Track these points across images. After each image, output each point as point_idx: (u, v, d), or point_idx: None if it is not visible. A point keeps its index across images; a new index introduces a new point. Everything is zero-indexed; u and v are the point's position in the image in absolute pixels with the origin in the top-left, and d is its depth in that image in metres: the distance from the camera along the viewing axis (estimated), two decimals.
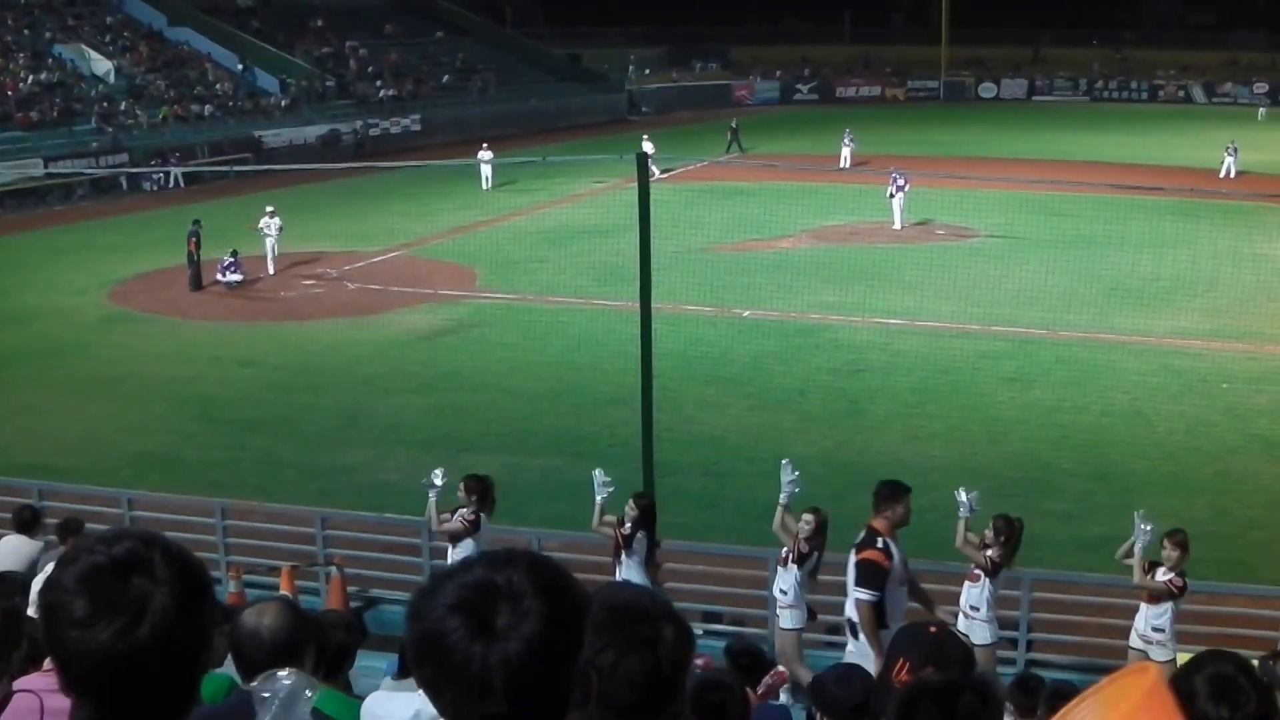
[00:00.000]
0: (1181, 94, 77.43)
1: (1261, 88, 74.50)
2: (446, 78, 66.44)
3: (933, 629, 3.48)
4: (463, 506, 11.84)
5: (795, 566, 10.94)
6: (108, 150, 46.50)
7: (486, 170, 42.59)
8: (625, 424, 16.92)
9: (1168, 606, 10.19)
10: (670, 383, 17.52)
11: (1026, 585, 11.78)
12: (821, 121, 61.38)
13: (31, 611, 4.65)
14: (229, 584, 12.05)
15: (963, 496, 10.59)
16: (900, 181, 34.02)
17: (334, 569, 12.73)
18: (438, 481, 11.91)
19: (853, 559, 9.43)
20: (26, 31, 53.17)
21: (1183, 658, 7.95)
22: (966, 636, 10.25)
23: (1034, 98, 79.44)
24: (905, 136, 55.46)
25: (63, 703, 2.01)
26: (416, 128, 59.17)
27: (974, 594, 10.58)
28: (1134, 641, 10.42)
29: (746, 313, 25.97)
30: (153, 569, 1.94)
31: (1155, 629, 10.20)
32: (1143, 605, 10.31)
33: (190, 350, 24.46)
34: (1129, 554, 10.44)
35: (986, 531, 10.62)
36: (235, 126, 52.44)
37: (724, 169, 41.39)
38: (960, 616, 10.56)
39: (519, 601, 1.80)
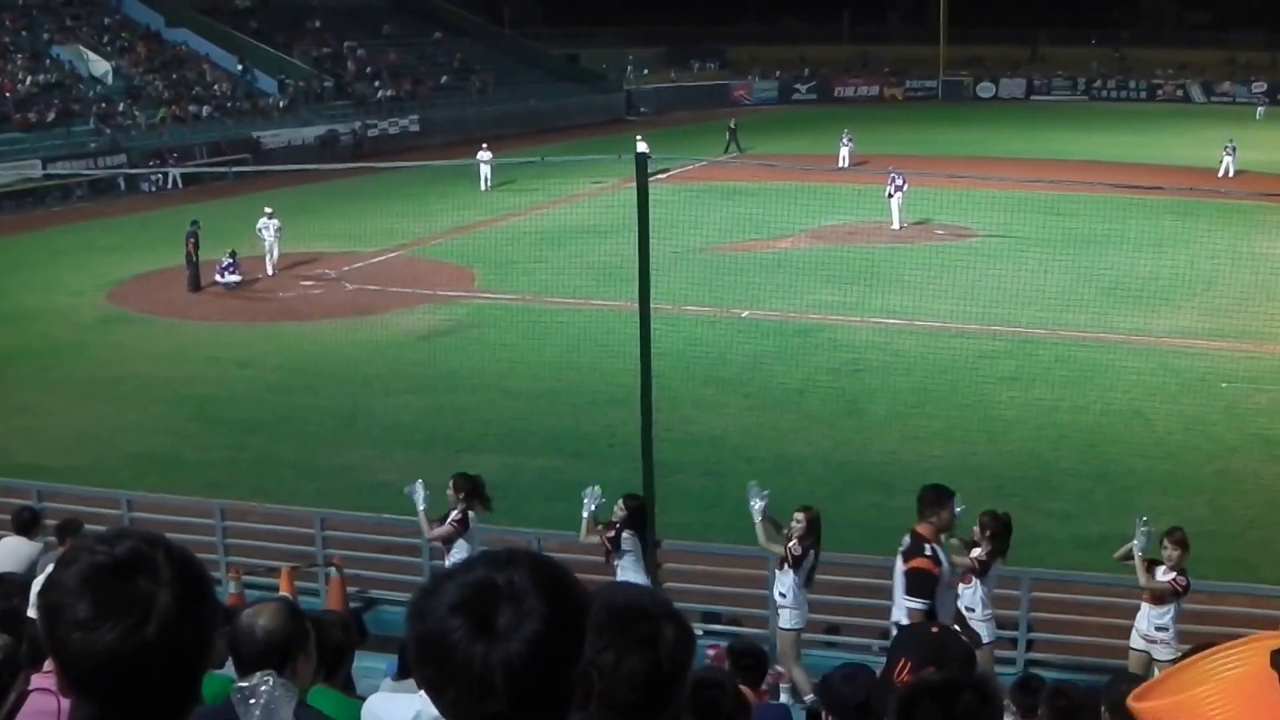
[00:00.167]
0: (1180, 93, 77.48)
1: (1260, 87, 74.55)
2: (445, 78, 66.44)
3: (934, 629, 3.48)
4: (453, 508, 11.84)
5: (792, 570, 10.95)
6: (106, 151, 46.49)
7: (486, 170, 42.59)
8: (624, 424, 16.91)
9: (1171, 606, 10.19)
10: (669, 383, 17.51)
11: (1026, 584, 11.77)
12: (820, 121, 61.41)
13: (31, 612, 4.64)
14: (229, 585, 12.02)
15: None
16: (899, 181, 34.02)
17: (333, 570, 12.69)
18: (419, 498, 11.95)
19: (900, 567, 9.29)
20: (24, 32, 53.16)
21: None
22: (976, 636, 10.31)
23: (1032, 97, 79.50)
24: (904, 136, 55.47)
25: None
26: (415, 128, 59.18)
27: (968, 595, 10.57)
28: (1136, 642, 10.39)
29: (745, 313, 25.97)
30: (156, 569, 1.93)
31: (1159, 628, 10.18)
32: (1145, 605, 10.29)
33: (188, 351, 24.46)
34: (1127, 556, 10.43)
35: (975, 529, 10.60)
36: (233, 127, 52.45)
37: (723, 169, 41.39)
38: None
39: (520, 602, 1.80)
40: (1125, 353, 22.76)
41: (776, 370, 22.15)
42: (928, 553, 9.20)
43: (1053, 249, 30.36)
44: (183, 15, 59.10)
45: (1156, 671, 8.67)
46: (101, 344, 25.13)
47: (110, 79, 52.42)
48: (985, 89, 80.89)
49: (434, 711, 1.86)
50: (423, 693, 1.88)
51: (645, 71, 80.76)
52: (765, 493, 11.16)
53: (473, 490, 11.94)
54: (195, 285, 29.22)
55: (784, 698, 10.69)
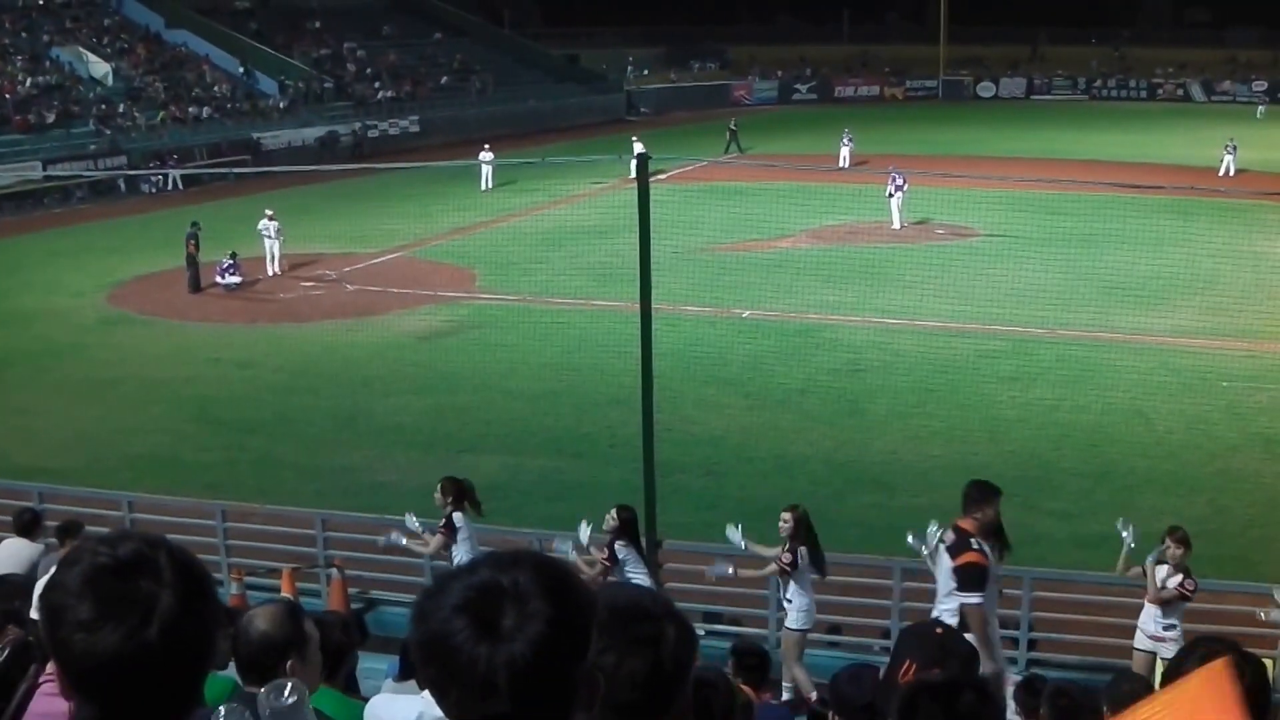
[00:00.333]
0: (1180, 92, 77.46)
1: (1260, 85, 74.53)
2: (444, 79, 66.45)
3: (939, 630, 3.48)
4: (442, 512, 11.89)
5: (790, 579, 10.98)
6: (106, 153, 46.48)
7: (487, 171, 42.60)
8: (625, 424, 16.93)
9: (1179, 606, 10.17)
10: (670, 383, 17.52)
11: (1027, 584, 11.78)
12: (820, 121, 61.40)
13: (34, 614, 4.65)
14: (230, 586, 12.03)
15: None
16: (899, 181, 34.02)
17: (334, 571, 12.72)
18: (401, 543, 12.11)
19: (948, 564, 9.26)
20: (24, 34, 53.17)
21: None
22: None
23: (1032, 96, 79.50)
24: (904, 136, 55.46)
25: None
26: (415, 129, 59.18)
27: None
28: (1141, 643, 10.28)
29: (746, 313, 25.97)
30: (158, 570, 1.93)
31: (1167, 627, 10.14)
32: (1149, 605, 10.25)
33: (189, 352, 24.46)
34: (1128, 566, 10.40)
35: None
36: (233, 128, 52.45)
37: (723, 169, 41.39)
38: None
39: (525, 603, 1.80)
40: (1126, 352, 22.75)
41: (777, 370, 22.15)
42: (975, 546, 9.21)
43: (1053, 248, 30.37)
44: (182, 16, 59.11)
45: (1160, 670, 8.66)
46: (102, 345, 25.13)
47: (110, 80, 52.44)
48: (985, 88, 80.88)
49: (436, 713, 1.86)
50: (425, 694, 1.88)
51: (645, 72, 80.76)
52: (739, 529, 11.25)
53: (460, 494, 11.96)
54: (195, 286, 29.23)
55: (785, 697, 10.69)
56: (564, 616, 1.81)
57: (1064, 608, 12.18)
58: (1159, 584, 10.13)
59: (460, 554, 11.66)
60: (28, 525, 10.74)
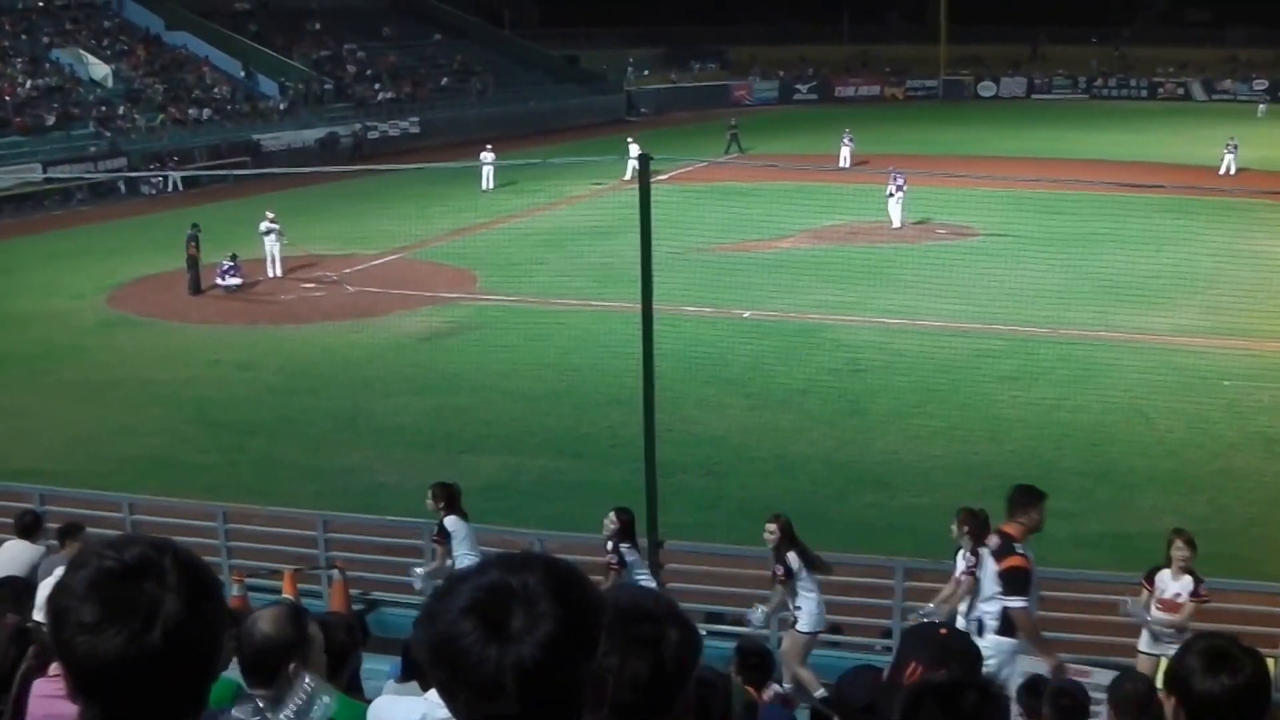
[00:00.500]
0: (1181, 91, 77.42)
1: (1261, 84, 74.49)
2: (444, 80, 66.45)
3: (943, 630, 3.47)
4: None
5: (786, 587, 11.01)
6: (106, 155, 46.45)
7: (488, 172, 42.60)
8: (625, 425, 16.92)
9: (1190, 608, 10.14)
10: (671, 383, 17.50)
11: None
12: (820, 121, 61.38)
13: (38, 616, 4.65)
14: (232, 588, 12.03)
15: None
16: (899, 181, 34.02)
17: (336, 572, 12.72)
18: (420, 581, 12.06)
19: (993, 567, 9.26)
20: (24, 36, 53.19)
21: None
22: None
23: (1033, 96, 79.44)
24: (904, 136, 55.43)
25: None
26: (415, 130, 59.15)
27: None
28: (1146, 645, 10.22)
29: (747, 313, 25.97)
30: (163, 574, 1.93)
31: (1180, 630, 10.10)
32: (1157, 611, 10.15)
33: (189, 354, 24.46)
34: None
35: (953, 530, 10.63)
36: (233, 130, 52.44)
37: (723, 169, 41.37)
38: (961, 619, 10.56)
39: (533, 605, 1.79)
40: (1126, 351, 22.75)
41: (778, 370, 22.15)
42: (1020, 550, 9.20)
43: (1054, 248, 30.33)
44: (182, 18, 59.11)
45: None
46: (102, 347, 25.14)
47: (110, 82, 52.45)
48: (986, 88, 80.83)
49: (438, 715, 1.86)
50: (428, 695, 1.89)
51: (645, 72, 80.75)
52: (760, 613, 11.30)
53: (450, 498, 11.97)
54: (196, 288, 29.23)
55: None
56: (573, 618, 1.81)
57: (1065, 607, 12.16)
58: (1173, 597, 10.03)
59: (461, 555, 11.66)
60: (29, 527, 10.73)
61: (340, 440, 19.26)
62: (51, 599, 1.96)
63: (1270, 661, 6.57)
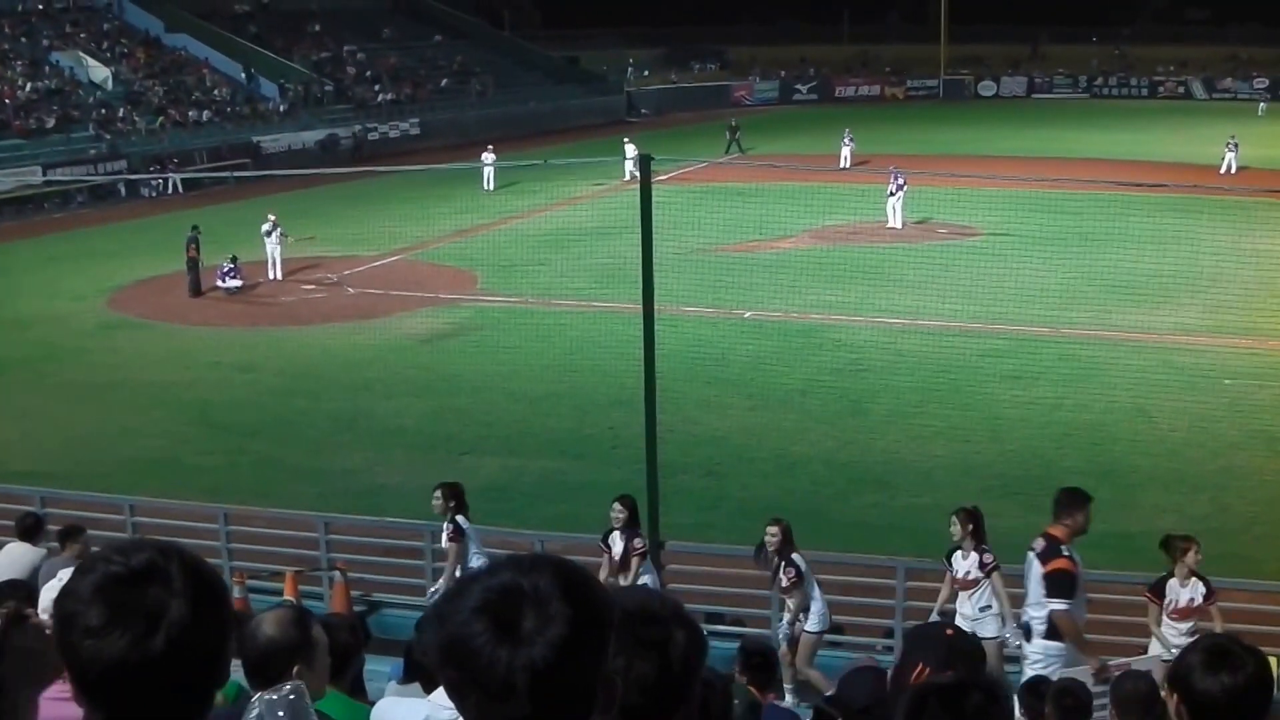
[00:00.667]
0: (1181, 90, 77.42)
1: (1261, 82, 74.47)
2: (444, 81, 66.45)
3: (949, 631, 3.46)
4: (441, 514, 11.86)
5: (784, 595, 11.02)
6: (106, 157, 46.46)
7: (489, 172, 42.61)
8: (627, 425, 16.92)
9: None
10: (672, 384, 17.51)
11: None
12: (821, 121, 61.39)
13: (41, 618, 4.64)
14: (233, 589, 12.03)
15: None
16: (900, 180, 34.02)
17: (337, 573, 12.73)
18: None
19: (1038, 570, 9.21)
20: (24, 39, 53.21)
21: None
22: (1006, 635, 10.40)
23: (1033, 95, 79.46)
24: (905, 135, 55.45)
25: None
26: (415, 131, 59.14)
27: (981, 596, 10.64)
28: (1157, 651, 10.13)
29: (748, 313, 25.96)
30: (169, 579, 1.94)
31: (1191, 632, 10.07)
32: (1169, 621, 10.08)
33: (189, 356, 24.46)
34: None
35: (954, 530, 10.63)
36: (233, 132, 52.44)
37: (724, 170, 41.34)
38: (964, 620, 10.56)
39: (545, 606, 1.78)
40: (1128, 350, 22.74)
41: (779, 371, 22.13)
42: (1066, 553, 9.15)
43: (1055, 247, 30.34)
44: (182, 21, 59.13)
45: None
46: (102, 349, 25.13)
47: (110, 85, 52.46)
48: (986, 87, 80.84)
49: (442, 716, 1.86)
50: (430, 697, 1.88)
51: (645, 73, 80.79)
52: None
53: (458, 497, 11.97)
54: (196, 290, 29.24)
55: (789, 699, 10.68)
56: (584, 619, 1.80)
57: None
58: (1188, 603, 9.97)
59: (471, 555, 11.67)
60: (30, 530, 10.73)
61: (341, 442, 19.25)
62: (58, 603, 1.97)
63: (1273, 660, 6.56)
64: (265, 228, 30.42)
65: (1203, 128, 54.76)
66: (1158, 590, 9.97)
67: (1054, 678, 8.22)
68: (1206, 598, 9.95)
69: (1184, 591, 9.95)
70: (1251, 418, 19.38)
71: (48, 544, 10.78)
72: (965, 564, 10.71)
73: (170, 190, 45.09)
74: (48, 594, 4.63)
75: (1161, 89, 77.97)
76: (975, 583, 10.67)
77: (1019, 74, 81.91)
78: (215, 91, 55.54)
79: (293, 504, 15.50)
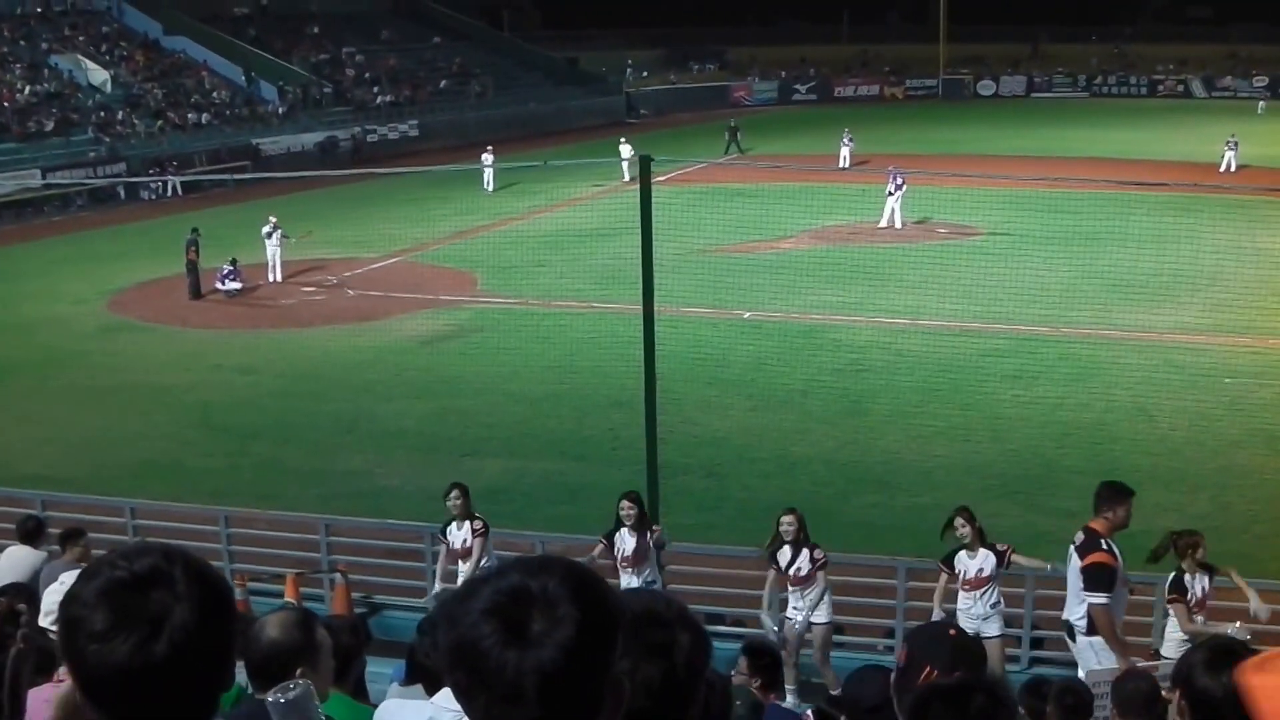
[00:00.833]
0: (1181, 88, 77.44)
1: (1261, 81, 74.50)
2: (444, 82, 66.47)
3: (951, 631, 3.46)
4: (459, 519, 11.84)
5: (803, 588, 11.02)
6: (105, 160, 46.50)
7: (489, 174, 42.63)
8: (627, 426, 16.92)
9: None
10: (672, 385, 17.52)
11: (1030, 583, 11.77)
12: (820, 121, 61.39)
13: (42, 622, 4.65)
14: (234, 591, 12.03)
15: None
16: (899, 180, 34.02)
17: (338, 575, 12.73)
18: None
19: (1077, 563, 9.24)
20: (23, 42, 53.22)
21: None
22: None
23: (1033, 94, 79.50)
24: (904, 135, 55.46)
25: None
26: (414, 133, 59.17)
27: (991, 593, 10.71)
28: (1169, 651, 10.08)
29: (748, 314, 25.96)
30: (173, 583, 1.95)
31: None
32: (1198, 618, 10.04)
33: (190, 358, 24.46)
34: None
35: (963, 530, 10.66)
36: (232, 134, 52.46)
37: (723, 170, 41.37)
38: (973, 619, 10.61)
39: (554, 608, 1.78)
40: (1128, 349, 22.74)
41: (779, 371, 22.14)
42: (1104, 547, 9.16)
43: (1055, 246, 30.36)
44: (180, 23, 59.15)
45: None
46: (103, 352, 25.13)
47: (109, 88, 52.46)
48: (986, 87, 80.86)
49: (445, 718, 1.86)
50: (434, 699, 1.88)
51: (645, 74, 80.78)
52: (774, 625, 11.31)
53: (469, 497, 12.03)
54: (196, 293, 29.25)
55: (790, 700, 10.68)
56: (593, 621, 1.80)
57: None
58: (1204, 596, 9.96)
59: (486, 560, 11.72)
60: (31, 533, 10.74)
61: (342, 444, 19.25)
62: (63, 608, 1.98)
63: None
64: (266, 230, 30.43)
65: (1202, 126, 54.80)
66: (1179, 590, 9.86)
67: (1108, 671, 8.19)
68: (1205, 595, 9.96)
69: (1197, 585, 9.96)
70: (1252, 416, 19.39)
71: (49, 547, 10.78)
72: (975, 563, 10.73)
73: (170, 193, 45.08)
74: (49, 597, 4.64)
75: (1161, 88, 77.99)
76: (987, 580, 10.72)
77: (1018, 73, 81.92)
78: (214, 94, 55.56)
79: (295, 506, 15.51)
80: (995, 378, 21.26)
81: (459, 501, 11.84)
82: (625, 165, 41.65)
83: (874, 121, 59.64)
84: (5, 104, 47.71)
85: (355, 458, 18.60)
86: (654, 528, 11.75)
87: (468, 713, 1.82)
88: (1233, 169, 43.70)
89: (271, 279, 30.53)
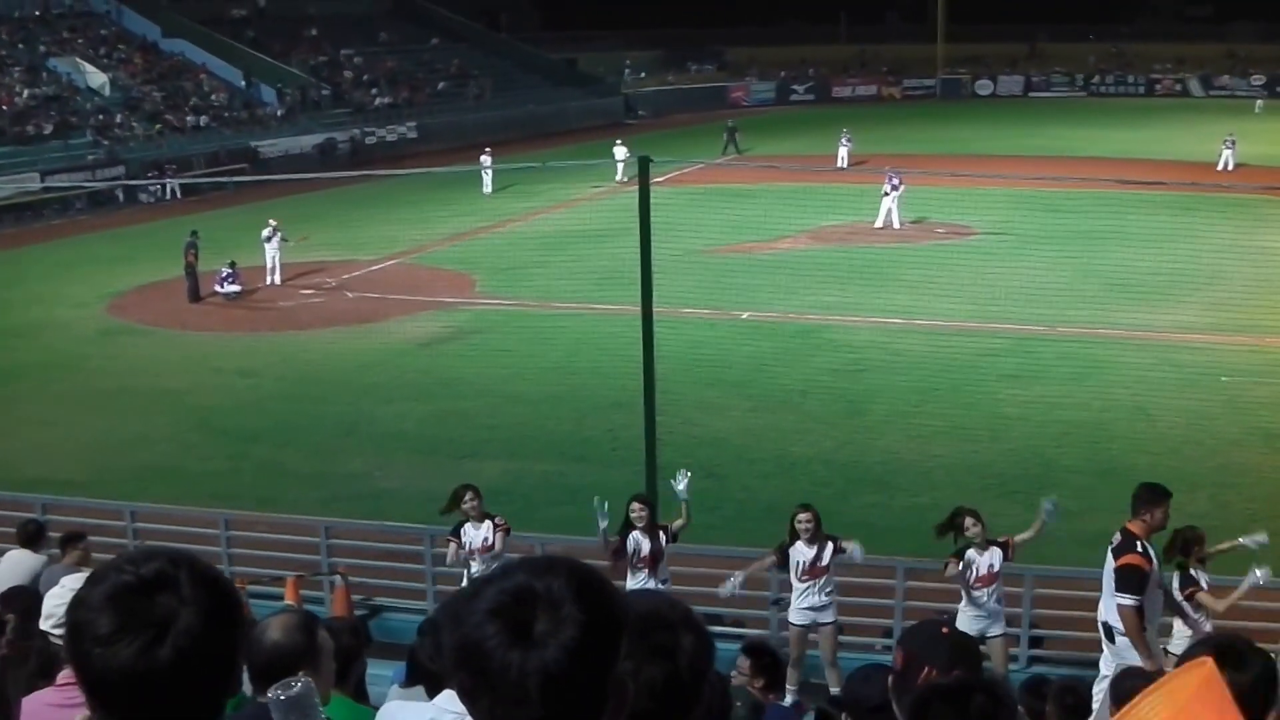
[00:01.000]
0: (1179, 87, 77.40)
1: (1259, 80, 74.48)
2: (442, 84, 66.45)
3: (945, 630, 3.47)
4: (475, 520, 11.83)
5: (819, 578, 11.05)
6: (104, 163, 46.50)
7: (487, 175, 42.64)
8: (627, 427, 16.93)
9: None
10: (671, 386, 17.50)
11: (1029, 582, 11.80)
12: (818, 121, 61.36)
13: (43, 625, 4.66)
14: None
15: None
16: (895, 180, 34.02)
17: (338, 578, 12.74)
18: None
19: (1111, 564, 9.25)
20: (21, 45, 53.19)
21: None
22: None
23: (1031, 94, 79.42)
24: (902, 135, 55.43)
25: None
26: (413, 135, 59.13)
27: (996, 589, 10.76)
28: (1175, 648, 10.11)
29: (746, 314, 25.97)
30: (179, 588, 1.96)
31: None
32: (1178, 621, 10.07)
33: (190, 361, 24.47)
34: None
35: (974, 530, 10.68)
36: (231, 137, 52.45)
37: (721, 171, 41.37)
38: (982, 618, 10.67)
39: (558, 608, 1.79)
40: (1127, 348, 22.77)
41: (778, 371, 22.15)
42: (1139, 550, 9.16)
43: (1053, 246, 30.36)
44: (179, 26, 59.13)
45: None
46: (103, 356, 25.14)
47: (107, 91, 52.43)
48: (984, 86, 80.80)
49: None
50: (435, 702, 1.89)
51: (643, 74, 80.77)
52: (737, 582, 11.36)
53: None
54: (195, 296, 29.25)
55: (790, 700, 10.69)
56: (597, 622, 1.80)
57: (1066, 605, 12.19)
58: (1209, 590, 9.99)
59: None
60: (32, 536, 10.75)
61: (342, 446, 19.27)
62: (70, 611, 2.00)
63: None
64: (265, 233, 30.42)
65: (1200, 125, 54.79)
66: (1192, 583, 9.92)
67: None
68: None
69: (1202, 579, 10.01)
70: (1250, 415, 19.41)
71: (49, 551, 10.79)
72: (986, 559, 10.77)
73: (169, 196, 45.03)
74: (50, 601, 4.65)
75: (1159, 87, 77.96)
76: (997, 576, 10.77)
77: (1016, 73, 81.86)
78: (213, 97, 55.55)
79: (296, 509, 15.53)
80: (994, 377, 21.28)
81: (475, 503, 11.85)
82: (620, 167, 41.67)
83: (872, 121, 59.61)
84: (4, 107, 47.69)
85: (355, 460, 18.62)
86: (667, 525, 11.72)
87: (472, 713, 1.83)
88: (1230, 168, 43.71)
89: (270, 281, 30.53)
